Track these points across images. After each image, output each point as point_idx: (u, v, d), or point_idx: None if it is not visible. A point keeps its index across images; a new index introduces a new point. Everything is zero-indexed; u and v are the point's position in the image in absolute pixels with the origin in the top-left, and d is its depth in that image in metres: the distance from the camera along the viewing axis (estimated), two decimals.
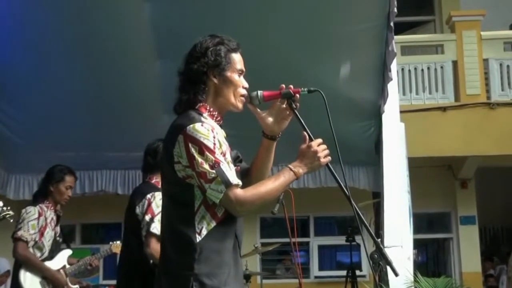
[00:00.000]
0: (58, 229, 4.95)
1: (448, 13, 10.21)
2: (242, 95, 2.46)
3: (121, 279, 4.10)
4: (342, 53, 5.31)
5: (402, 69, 9.40)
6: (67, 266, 4.92)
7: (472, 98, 9.40)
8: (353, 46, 5.15)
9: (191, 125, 2.28)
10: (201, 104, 2.41)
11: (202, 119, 2.33)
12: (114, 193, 7.06)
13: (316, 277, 10.79)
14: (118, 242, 5.09)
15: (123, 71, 5.17)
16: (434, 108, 9.39)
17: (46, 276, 4.73)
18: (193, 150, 2.25)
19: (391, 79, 5.35)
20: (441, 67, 9.62)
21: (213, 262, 2.28)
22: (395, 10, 4.68)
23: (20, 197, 6.71)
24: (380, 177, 5.90)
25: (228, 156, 2.32)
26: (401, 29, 9.52)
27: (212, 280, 2.25)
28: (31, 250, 4.70)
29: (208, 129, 2.28)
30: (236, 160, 2.51)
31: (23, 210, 4.78)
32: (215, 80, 2.42)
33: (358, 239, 7.31)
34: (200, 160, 2.24)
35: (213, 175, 2.23)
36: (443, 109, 9.38)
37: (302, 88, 2.44)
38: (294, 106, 2.44)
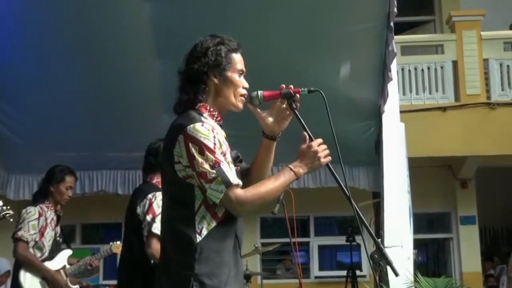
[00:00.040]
0: (58, 229, 4.95)
1: (448, 13, 10.21)
2: (242, 95, 2.46)
3: (122, 279, 4.09)
4: (342, 53, 5.31)
5: (402, 69, 9.39)
6: (67, 266, 4.92)
7: (472, 98, 9.39)
8: (353, 46, 5.15)
9: (192, 125, 2.28)
10: (201, 104, 2.41)
11: (202, 119, 2.33)
12: (114, 193, 7.05)
13: (316, 277, 10.78)
14: (118, 242, 5.10)
15: (123, 71, 5.17)
16: (434, 108, 9.38)
17: (45, 277, 4.73)
18: (193, 150, 2.25)
19: (391, 79, 5.35)
20: (441, 67, 9.61)
21: (214, 262, 2.27)
22: (395, 10, 4.68)
23: (20, 197, 6.71)
24: (380, 177, 5.89)
25: (228, 156, 2.32)
26: (401, 29, 9.52)
27: (212, 280, 2.25)
28: (31, 250, 4.70)
29: (209, 129, 2.28)
30: (236, 160, 2.50)
31: (24, 210, 4.78)
32: (216, 80, 2.42)
33: (358, 239, 7.31)
34: (200, 160, 2.24)
35: (213, 175, 2.23)
36: (443, 109, 9.37)
37: (302, 88, 2.44)
38: (294, 106, 2.44)
